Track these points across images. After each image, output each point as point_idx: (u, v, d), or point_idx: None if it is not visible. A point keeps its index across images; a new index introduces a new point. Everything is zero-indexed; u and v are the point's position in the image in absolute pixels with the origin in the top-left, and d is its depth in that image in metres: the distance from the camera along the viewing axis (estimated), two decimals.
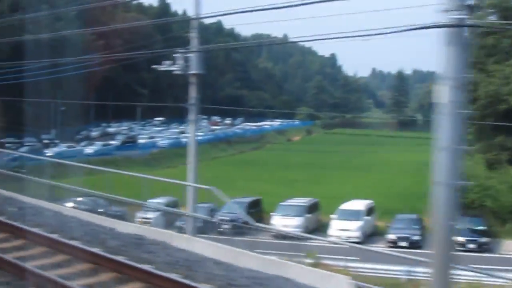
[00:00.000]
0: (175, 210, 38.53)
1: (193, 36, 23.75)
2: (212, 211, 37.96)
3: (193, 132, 24.27)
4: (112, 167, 47.50)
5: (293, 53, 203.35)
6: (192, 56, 23.35)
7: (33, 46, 65.42)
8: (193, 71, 23.32)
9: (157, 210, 37.88)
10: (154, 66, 24.55)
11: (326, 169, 71.19)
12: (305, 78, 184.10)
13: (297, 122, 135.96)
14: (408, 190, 55.03)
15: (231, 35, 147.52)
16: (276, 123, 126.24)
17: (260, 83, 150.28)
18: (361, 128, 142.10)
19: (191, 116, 24.20)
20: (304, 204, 39.51)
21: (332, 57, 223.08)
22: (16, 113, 69.53)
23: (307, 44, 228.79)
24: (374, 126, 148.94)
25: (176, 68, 23.38)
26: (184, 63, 23.04)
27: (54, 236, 11.61)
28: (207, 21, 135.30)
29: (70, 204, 33.66)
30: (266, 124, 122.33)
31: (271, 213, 38.49)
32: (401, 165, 74.93)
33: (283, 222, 36.19)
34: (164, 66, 23.68)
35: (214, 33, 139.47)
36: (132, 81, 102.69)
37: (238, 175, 63.00)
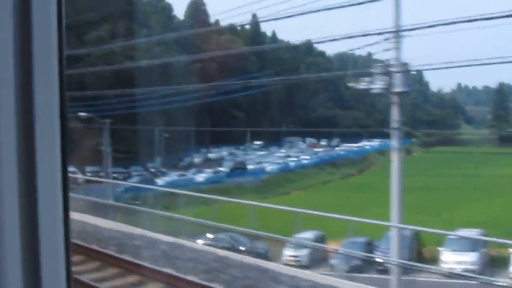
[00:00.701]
0: (327, 246, 34.97)
1: (394, 49, 20.01)
2: (369, 246, 34.03)
3: (398, 161, 20.33)
4: (225, 196, 44.48)
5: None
6: (395, 73, 19.62)
7: (135, 73, 63.65)
8: (397, 89, 19.57)
9: (305, 246, 34.25)
10: (349, 85, 20.95)
11: (447, 191, 66.48)
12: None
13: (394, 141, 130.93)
14: None
15: (322, 55, 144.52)
16: (375, 143, 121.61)
17: (353, 102, 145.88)
18: (459, 145, 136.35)
19: (394, 141, 20.34)
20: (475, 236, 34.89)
21: (419, 73, 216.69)
22: (118, 141, 67.58)
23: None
24: (472, 143, 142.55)
25: (377, 86, 19.71)
26: (389, 80, 19.31)
27: None
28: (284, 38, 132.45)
29: (201, 241, 30.55)
30: (367, 144, 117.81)
31: (439, 248, 34.01)
32: None
33: (455, 258, 31.78)
34: (363, 85, 20.06)
35: (304, 53, 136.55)
36: (227, 104, 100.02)
37: (360, 201, 58.91)
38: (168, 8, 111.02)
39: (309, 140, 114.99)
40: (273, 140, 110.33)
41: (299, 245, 33.92)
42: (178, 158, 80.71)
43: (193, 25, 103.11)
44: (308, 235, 35.03)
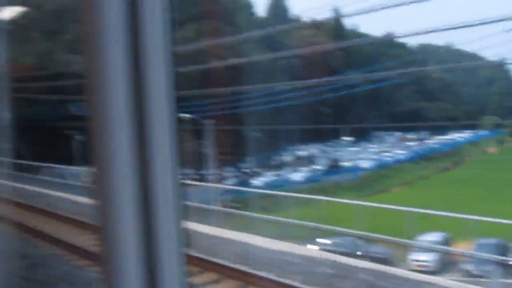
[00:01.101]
0: (455, 249, 32.66)
1: None
2: (503, 248, 31.50)
3: None
4: (323, 195, 42.57)
5: (460, 59, 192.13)
6: None
7: (222, 72, 62.47)
8: None
9: (433, 250, 32.05)
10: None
11: None
12: (477, 85, 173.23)
13: (483, 132, 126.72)
14: None
15: (402, 46, 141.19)
16: (466, 134, 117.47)
17: (438, 93, 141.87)
18: None
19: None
20: None
21: (502, 62, 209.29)
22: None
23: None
24: None
25: None
26: None
27: None
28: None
29: (315, 247, 28.63)
30: (459, 136, 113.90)
31: None
32: None
33: None
34: None
35: (385, 45, 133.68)
36: (314, 101, 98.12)
37: (465, 197, 56.01)
38: (249, 5, 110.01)
39: (398, 134, 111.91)
40: (360, 135, 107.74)
41: (426, 249, 31.84)
42: (268, 157, 79.27)
43: (275, 22, 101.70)
44: (432, 237, 32.84)
